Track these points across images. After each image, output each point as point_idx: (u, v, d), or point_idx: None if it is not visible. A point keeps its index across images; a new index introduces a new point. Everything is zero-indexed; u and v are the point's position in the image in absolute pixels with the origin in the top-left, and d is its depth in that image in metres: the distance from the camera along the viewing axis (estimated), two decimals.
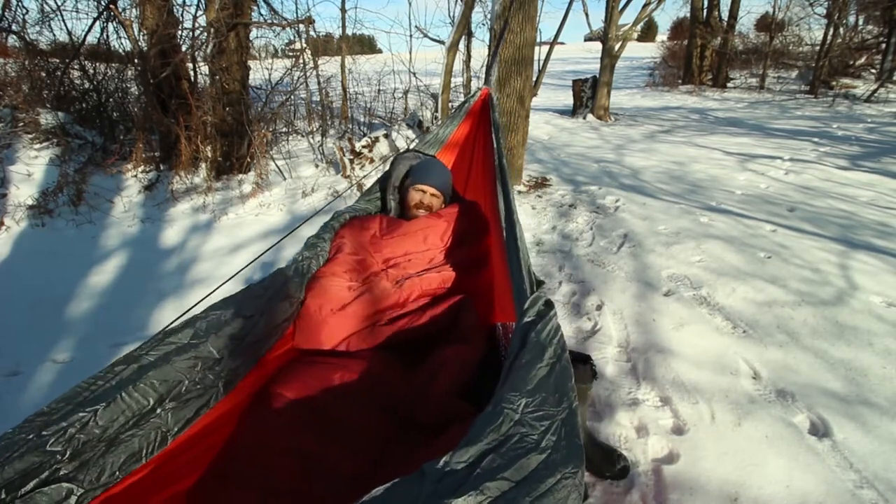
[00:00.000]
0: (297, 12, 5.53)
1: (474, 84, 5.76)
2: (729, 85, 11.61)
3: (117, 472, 0.79)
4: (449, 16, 5.40)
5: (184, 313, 1.07)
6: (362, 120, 6.14)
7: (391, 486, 0.61)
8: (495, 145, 1.62)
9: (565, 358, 0.85)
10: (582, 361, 1.32)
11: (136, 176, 4.30)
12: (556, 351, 0.85)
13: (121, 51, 4.81)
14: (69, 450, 0.73)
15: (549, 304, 0.96)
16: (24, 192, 3.62)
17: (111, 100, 4.98)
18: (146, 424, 0.84)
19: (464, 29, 4.70)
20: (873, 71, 10.65)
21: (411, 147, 1.86)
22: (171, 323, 1.00)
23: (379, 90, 6.49)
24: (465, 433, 0.70)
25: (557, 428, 0.72)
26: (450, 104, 4.84)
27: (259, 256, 1.55)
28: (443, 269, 1.45)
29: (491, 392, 0.82)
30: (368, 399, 1.12)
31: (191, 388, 0.92)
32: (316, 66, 5.51)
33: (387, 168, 1.81)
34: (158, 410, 0.86)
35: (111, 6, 4.30)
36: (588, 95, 8.01)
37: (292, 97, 5.45)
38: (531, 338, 0.86)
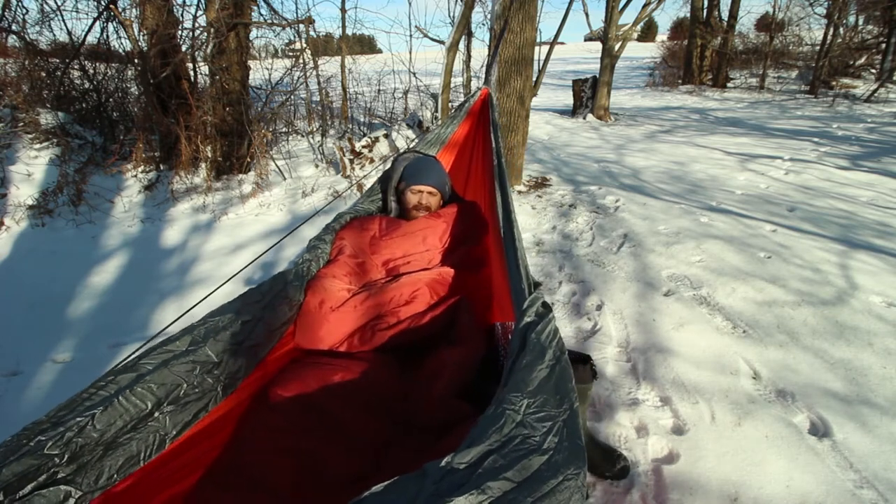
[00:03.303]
0: (297, 12, 5.53)
1: (474, 84, 5.75)
2: (729, 85, 11.60)
3: (115, 475, 0.79)
4: (449, 16, 5.40)
5: (181, 316, 1.07)
6: (362, 120, 6.14)
7: (391, 482, 0.61)
8: (494, 145, 1.62)
9: (564, 360, 0.85)
10: (582, 361, 1.32)
11: (136, 176, 4.30)
12: (555, 353, 0.86)
13: (121, 51, 4.81)
14: (67, 453, 0.73)
15: (546, 306, 0.96)
16: (24, 192, 3.62)
17: (111, 100, 4.98)
18: (144, 428, 0.85)
19: (464, 29, 4.70)
20: (873, 71, 10.65)
21: (412, 147, 1.86)
22: (168, 326, 1.01)
23: (379, 90, 6.49)
24: (467, 434, 0.69)
25: (559, 429, 0.72)
26: (450, 104, 4.84)
27: (258, 257, 1.55)
28: (441, 270, 1.45)
29: (490, 392, 0.82)
30: (368, 400, 1.12)
31: (189, 392, 0.92)
32: (316, 66, 5.50)
33: (387, 168, 1.82)
34: (156, 414, 0.87)
35: (111, 6, 4.30)
36: (588, 95, 8.01)
37: (292, 97, 5.45)
38: (531, 339, 0.86)
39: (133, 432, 0.83)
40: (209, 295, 1.22)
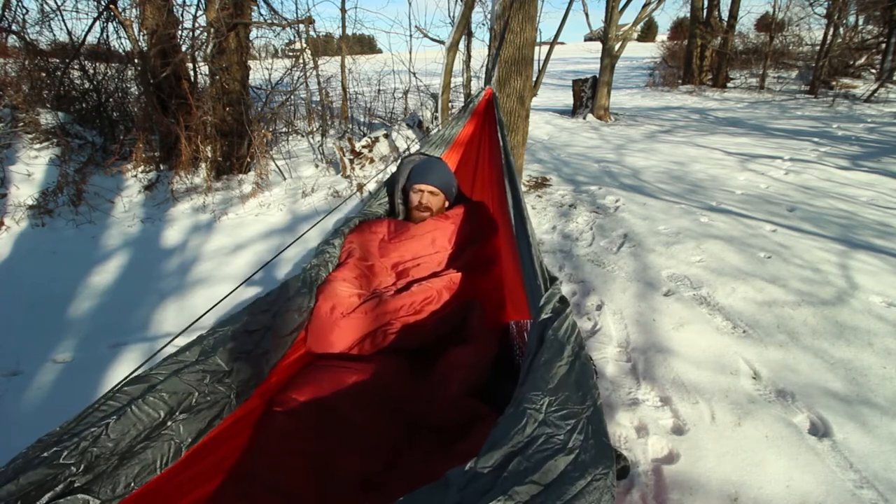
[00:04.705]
0: (297, 12, 5.53)
1: (474, 84, 5.75)
2: (729, 85, 11.60)
3: (133, 484, 0.79)
4: (449, 16, 5.40)
5: (187, 328, 1.07)
6: (362, 120, 6.14)
7: (414, 494, 0.59)
8: (501, 143, 1.62)
9: (584, 355, 0.84)
10: None
11: (136, 176, 4.30)
12: (574, 349, 0.84)
13: (121, 51, 4.81)
14: (83, 462, 0.73)
15: (563, 301, 0.94)
16: (24, 192, 3.62)
17: (111, 100, 4.98)
18: (158, 437, 0.85)
19: (464, 29, 4.69)
20: (873, 71, 10.65)
21: (419, 146, 1.86)
22: (174, 339, 1.01)
23: (379, 90, 6.49)
24: (486, 435, 0.67)
25: (584, 426, 0.70)
26: (450, 104, 4.83)
27: (265, 265, 1.55)
28: (451, 272, 1.45)
29: (506, 391, 0.80)
30: (380, 401, 1.12)
31: (201, 400, 0.92)
32: (316, 66, 5.50)
33: (389, 168, 1.82)
34: (170, 423, 0.87)
35: (111, 6, 4.30)
36: (588, 95, 8.00)
37: (292, 97, 5.45)
38: (548, 336, 0.84)
39: (147, 441, 0.83)
40: (212, 307, 1.22)
